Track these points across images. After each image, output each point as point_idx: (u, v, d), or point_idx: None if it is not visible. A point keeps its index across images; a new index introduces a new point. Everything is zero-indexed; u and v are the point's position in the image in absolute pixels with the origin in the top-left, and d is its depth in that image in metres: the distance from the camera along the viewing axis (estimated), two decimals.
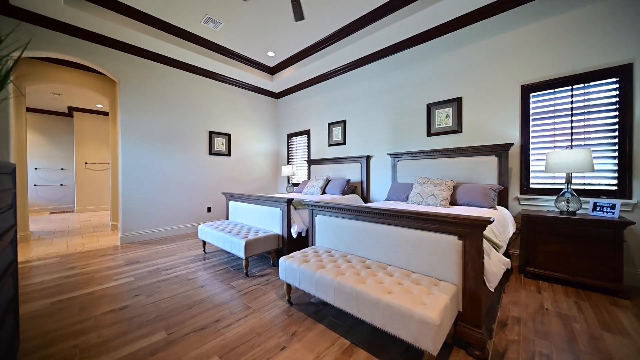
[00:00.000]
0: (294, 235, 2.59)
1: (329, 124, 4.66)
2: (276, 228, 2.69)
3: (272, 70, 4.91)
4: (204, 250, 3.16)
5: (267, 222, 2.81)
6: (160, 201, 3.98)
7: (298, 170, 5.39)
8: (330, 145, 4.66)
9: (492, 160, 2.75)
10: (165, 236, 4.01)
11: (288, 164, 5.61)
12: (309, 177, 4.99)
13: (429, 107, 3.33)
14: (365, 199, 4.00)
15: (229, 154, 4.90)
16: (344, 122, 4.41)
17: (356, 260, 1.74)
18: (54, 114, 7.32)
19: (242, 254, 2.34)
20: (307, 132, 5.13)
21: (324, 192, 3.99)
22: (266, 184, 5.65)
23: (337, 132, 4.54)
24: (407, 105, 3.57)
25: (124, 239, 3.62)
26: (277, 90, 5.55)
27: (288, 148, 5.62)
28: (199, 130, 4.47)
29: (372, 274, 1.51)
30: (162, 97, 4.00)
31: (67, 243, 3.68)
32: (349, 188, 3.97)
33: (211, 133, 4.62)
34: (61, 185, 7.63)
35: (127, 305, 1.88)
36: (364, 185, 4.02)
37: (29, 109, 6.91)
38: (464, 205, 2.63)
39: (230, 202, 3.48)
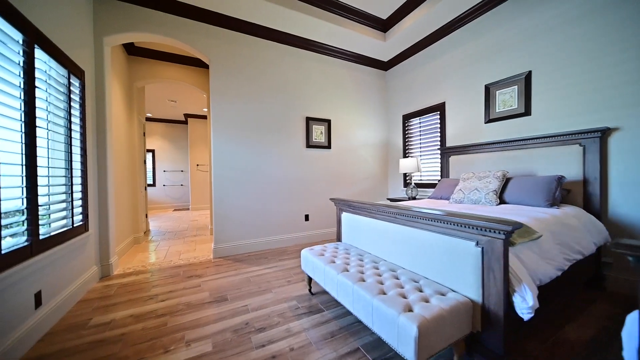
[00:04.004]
0: (525, 316, 1.06)
1: (487, 87, 2.84)
2: (465, 286, 1.22)
3: (386, 25, 3.48)
4: (310, 290, 2.04)
5: (433, 266, 1.38)
6: (251, 206, 3.21)
7: (423, 164, 3.76)
8: (489, 121, 2.83)
9: None
10: (258, 250, 3.22)
11: (405, 156, 4.05)
12: (443, 175, 3.30)
13: None
14: (598, 215, 2.01)
15: (328, 146, 3.78)
16: (526, 76, 2.50)
17: None
18: (174, 122, 8.29)
19: (411, 355, 1.00)
20: (438, 108, 3.45)
21: (501, 201, 2.25)
22: (374, 184, 4.28)
23: (505, 96, 2.68)
24: None
25: (217, 252, 2.99)
26: (386, 58, 4.09)
27: (404, 135, 4.06)
28: (293, 115, 3.51)
29: None
30: (252, 77, 3.20)
31: (168, 250, 3.38)
32: (560, 193, 2.08)
33: (308, 119, 3.60)
34: (181, 185, 8.61)
35: None
36: (591, 189, 2.05)
37: (157, 120, 7.97)
38: None
39: (344, 215, 2.26)
